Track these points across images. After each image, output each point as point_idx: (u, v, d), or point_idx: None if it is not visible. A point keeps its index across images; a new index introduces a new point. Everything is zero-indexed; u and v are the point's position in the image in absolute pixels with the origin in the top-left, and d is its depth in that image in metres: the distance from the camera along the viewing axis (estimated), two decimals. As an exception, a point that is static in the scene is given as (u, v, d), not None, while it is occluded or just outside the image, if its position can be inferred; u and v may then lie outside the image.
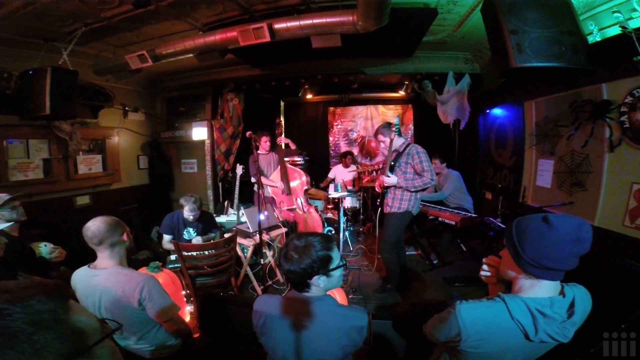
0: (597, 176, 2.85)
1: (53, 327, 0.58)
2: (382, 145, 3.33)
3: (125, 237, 1.68)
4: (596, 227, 2.80)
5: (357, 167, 5.84)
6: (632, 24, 2.31)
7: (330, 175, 5.88)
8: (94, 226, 1.57)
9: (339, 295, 2.39)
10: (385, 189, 3.26)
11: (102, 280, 1.55)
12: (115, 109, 5.07)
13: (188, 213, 3.16)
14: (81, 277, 1.59)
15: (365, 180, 5.63)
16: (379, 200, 3.43)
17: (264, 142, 4.46)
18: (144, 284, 1.55)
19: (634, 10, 2.34)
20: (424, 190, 3.20)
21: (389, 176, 3.14)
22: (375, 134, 3.38)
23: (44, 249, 2.59)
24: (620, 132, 2.61)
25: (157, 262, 2.38)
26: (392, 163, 3.21)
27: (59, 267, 2.85)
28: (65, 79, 3.31)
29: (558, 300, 1.10)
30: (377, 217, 3.50)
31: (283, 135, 6.78)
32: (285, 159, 4.59)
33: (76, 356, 0.59)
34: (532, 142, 3.81)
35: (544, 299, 1.10)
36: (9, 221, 2.44)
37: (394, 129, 3.22)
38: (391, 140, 3.19)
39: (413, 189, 3.11)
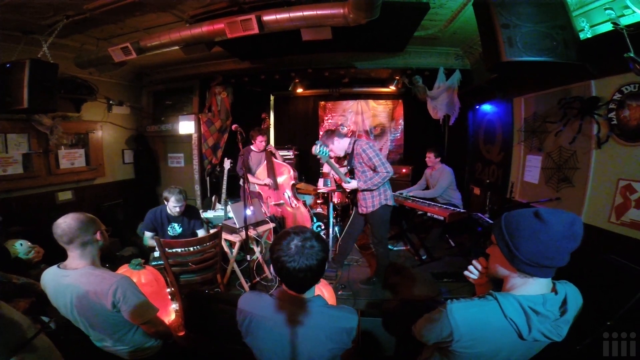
0: (584, 172, 2.86)
1: None
2: (332, 153, 3.28)
3: (98, 235, 1.56)
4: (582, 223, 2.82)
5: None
6: (624, 21, 2.30)
7: (325, 169, 5.81)
8: (65, 223, 1.46)
9: (327, 293, 2.35)
10: (350, 193, 3.30)
11: (73, 281, 1.45)
12: (99, 102, 4.92)
13: (175, 204, 3.00)
14: (51, 277, 1.50)
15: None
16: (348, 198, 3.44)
17: (259, 142, 4.40)
18: (118, 285, 1.45)
19: (626, 7, 2.34)
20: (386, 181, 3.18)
21: (348, 182, 3.18)
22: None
23: (20, 248, 2.50)
24: (608, 128, 2.62)
25: (140, 259, 2.31)
26: (348, 167, 3.25)
27: (39, 266, 2.76)
28: (44, 72, 3.16)
29: (551, 297, 1.08)
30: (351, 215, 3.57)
31: (272, 128, 6.84)
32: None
33: (21, 348, 0.59)
34: (520, 138, 3.82)
35: (537, 297, 1.07)
36: None
37: (334, 136, 3.21)
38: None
39: (375, 187, 3.13)
